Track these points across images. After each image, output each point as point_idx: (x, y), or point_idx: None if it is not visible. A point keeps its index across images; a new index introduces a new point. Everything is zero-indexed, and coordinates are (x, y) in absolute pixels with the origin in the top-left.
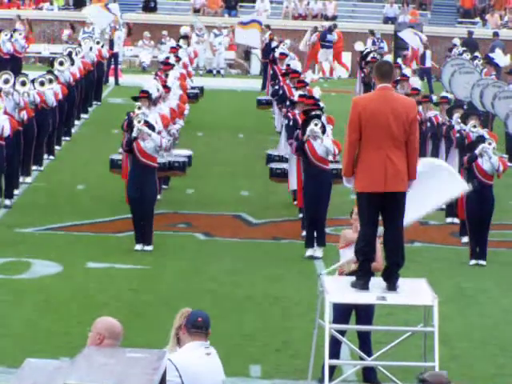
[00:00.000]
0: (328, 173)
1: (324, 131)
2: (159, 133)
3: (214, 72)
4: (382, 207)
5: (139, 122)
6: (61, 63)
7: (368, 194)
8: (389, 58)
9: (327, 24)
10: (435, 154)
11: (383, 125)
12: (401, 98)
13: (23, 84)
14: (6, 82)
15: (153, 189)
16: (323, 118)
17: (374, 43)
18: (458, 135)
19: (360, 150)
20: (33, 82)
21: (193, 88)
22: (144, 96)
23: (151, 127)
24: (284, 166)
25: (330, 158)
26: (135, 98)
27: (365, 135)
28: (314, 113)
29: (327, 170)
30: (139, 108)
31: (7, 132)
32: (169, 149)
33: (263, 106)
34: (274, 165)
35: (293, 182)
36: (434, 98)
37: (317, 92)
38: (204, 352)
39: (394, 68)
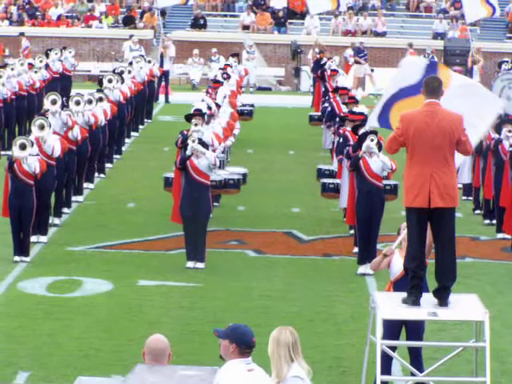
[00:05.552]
0: (381, 190)
1: (380, 148)
2: (214, 151)
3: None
4: (432, 224)
5: (193, 141)
6: (109, 81)
7: (415, 210)
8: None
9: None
10: (485, 170)
11: (429, 141)
12: (448, 113)
13: (77, 104)
14: (54, 102)
15: (207, 206)
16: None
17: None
18: (511, 149)
19: (407, 165)
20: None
21: (244, 105)
22: (198, 114)
23: (205, 145)
24: (337, 181)
25: (386, 173)
26: (188, 117)
27: (411, 151)
28: (369, 128)
29: (380, 187)
30: (196, 125)
31: (57, 153)
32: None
33: (315, 122)
34: (326, 180)
35: (344, 200)
36: None
37: (363, 109)
38: (245, 369)
39: (442, 84)
